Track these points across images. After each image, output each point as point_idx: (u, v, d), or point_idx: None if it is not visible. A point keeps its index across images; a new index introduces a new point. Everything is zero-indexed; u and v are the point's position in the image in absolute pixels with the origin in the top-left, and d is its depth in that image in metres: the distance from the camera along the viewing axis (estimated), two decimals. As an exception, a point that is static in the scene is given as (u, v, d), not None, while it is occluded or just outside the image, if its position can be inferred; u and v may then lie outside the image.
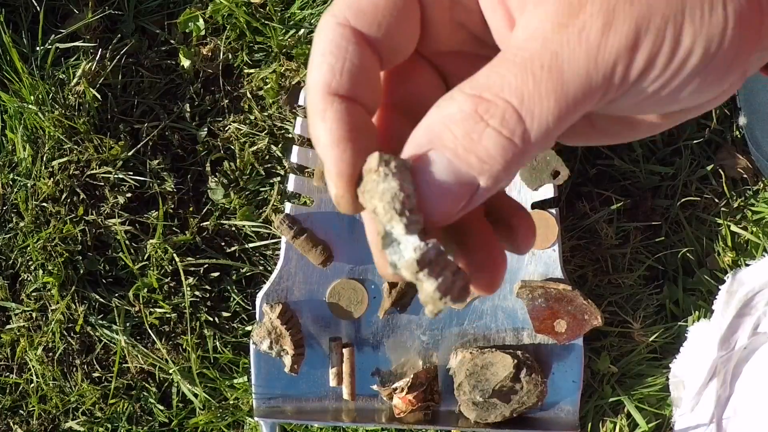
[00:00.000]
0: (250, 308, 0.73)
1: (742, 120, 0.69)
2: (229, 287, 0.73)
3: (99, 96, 0.70)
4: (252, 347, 0.67)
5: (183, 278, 0.71)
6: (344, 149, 0.21)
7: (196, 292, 0.72)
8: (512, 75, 0.20)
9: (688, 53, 0.20)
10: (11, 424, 0.76)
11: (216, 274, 0.72)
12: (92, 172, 0.71)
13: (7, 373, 0.75)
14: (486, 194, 0.21)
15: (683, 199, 0.71)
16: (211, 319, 0.72)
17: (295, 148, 0.66)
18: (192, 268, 0.72)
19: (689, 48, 0.20)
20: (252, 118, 0.71)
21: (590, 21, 0.20)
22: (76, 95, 0.70)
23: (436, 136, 0.20)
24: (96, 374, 0.74)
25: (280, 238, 0.68)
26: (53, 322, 0.72)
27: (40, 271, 0.72)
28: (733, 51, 0.20)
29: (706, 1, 0.20)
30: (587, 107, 0.20)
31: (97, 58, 0.70)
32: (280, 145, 0.71)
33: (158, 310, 0.72)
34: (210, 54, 0.71)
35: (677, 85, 0.21)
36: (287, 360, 0.65)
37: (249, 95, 0.71)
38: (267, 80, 0.70)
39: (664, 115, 0.24)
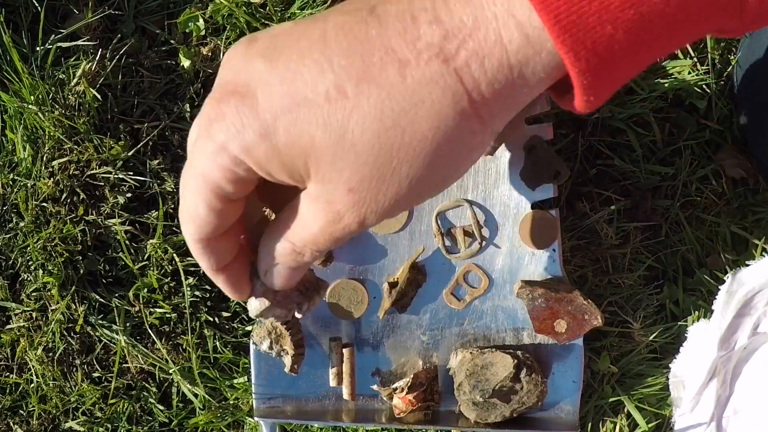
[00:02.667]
0: (250, 308, 0.73)
1: (742, 120, 0.69)
2: (229, 287, 0.73)
3: (99, 96, 0.70)
4: (252, 347, 0.67)
5: (183, 278, 0.71)
6: (219, 278, 0.42)
7: (196, 292, 0.72)
8: (300, 237, 0.38)
9: (386, 212, 0.36)
10: (11, 424, 0.76)
11: (216, 274, 0.72)
12: (92, 172, 0.71)
13: (7, 373, 0.75)
14: (296, 275, 0.41)
15: (683, 199, 0.71)
16: (211, 319, 0.72)
17: (295, 148, 0.66)
18: (192, 268, 0.72)
19: (383, 209, 0.35)
20: (252, 118, 0.71)
21: (347, 221, 0.35)
22: (76, 95, 0.70)
23: (279, 257, 0.39)
24: (96, 374, 0.74)
25: (280, 238, 0.68)
26: (53, 322, 0.72)
27: (40, 271, 0.72)
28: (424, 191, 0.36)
29: (382, 185, 0.34)
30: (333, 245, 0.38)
31: (97, 58, 0.70)
32: (280, 145, 0.71)
33: (158, 310, 0.72)
34: (210, 54, 0.71)
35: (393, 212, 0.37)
36: (287, 360, 0.65)
37: (249, 95, 0.71)
38: (267, 80, 0.70)
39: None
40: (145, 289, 0.72)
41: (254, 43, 0.35)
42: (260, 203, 0.43)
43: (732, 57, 0.69)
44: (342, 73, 0.32)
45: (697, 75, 0.69)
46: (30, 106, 0.70)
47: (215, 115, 0.34)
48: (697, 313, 0.71)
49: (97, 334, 0.73)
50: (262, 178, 0.36)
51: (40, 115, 0.70)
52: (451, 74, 0.31)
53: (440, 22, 0.31)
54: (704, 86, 0.69)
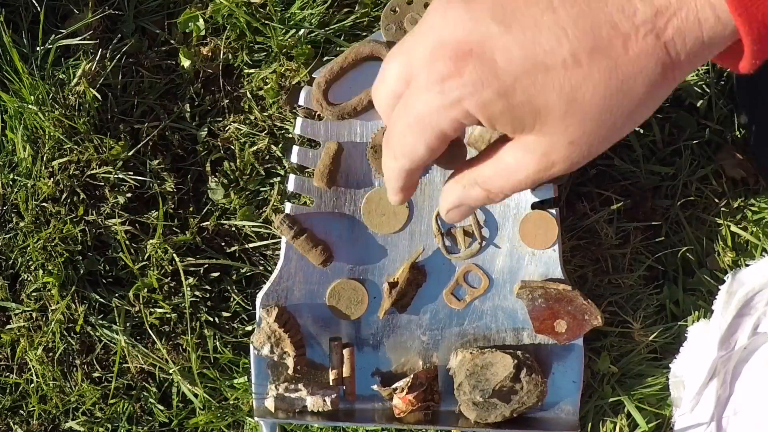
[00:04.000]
0: (251, 308, 0.73)
1: (742, 120, 0.69)
2: (229, 287, 0.73)
3: (99, 96, 0.70)
4: (253, 352, 0.67)
5: (183, 278, 0.71)
6: (397, 197, 0.46)
7: (196, 292, 0.72)
8: (499, 184, 0.42)
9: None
10: (11, 424, 0.76)
11: (216, 274, 0.72)
12: (92, 172, 0.71)
13: (7, 373, 0.75)
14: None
15: (683, 199, 0.71)
16: (211, 319, 0.72)
17: (295, 148, 0.66)
18: (192, 268, 0.72)
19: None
20: (252, 118, 0.71)
21: (557, 168, 0.39)
22: (76, 95, 0.70)
23: (467, 200, 0.44)
24: (96, 374, 0.74)
25: (280, 238, 0.68)
26: (53, 322, 0.72)
27: (40, 271, 0.72)
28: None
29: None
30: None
31: (97, 58, 0.70)
32: (280, 145, 0.71)
33: (158, 310, 0.72)
34: (210, 54, 0.71)
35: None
36: (290, 362, 0.65)
37: (249, 95, 0.71)
38: (267, 80, 0.70)
39: None
40: (145, 289, 0.72)
41: (474, 3, 0.38)
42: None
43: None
44: (576, 44, 0.36)
45: (697, 75, 0.69)
46: (30, 106, 0.70)
47: (449, 72, 0.38)
48: (697, 313, 0.71)
49: (97, 334, 0.73)
50: None
51: (40, 115, 0.70)
52: (662, 48, 0.36)
53: (650, 1, 0.36)
54: (704, 86, 0.69)
